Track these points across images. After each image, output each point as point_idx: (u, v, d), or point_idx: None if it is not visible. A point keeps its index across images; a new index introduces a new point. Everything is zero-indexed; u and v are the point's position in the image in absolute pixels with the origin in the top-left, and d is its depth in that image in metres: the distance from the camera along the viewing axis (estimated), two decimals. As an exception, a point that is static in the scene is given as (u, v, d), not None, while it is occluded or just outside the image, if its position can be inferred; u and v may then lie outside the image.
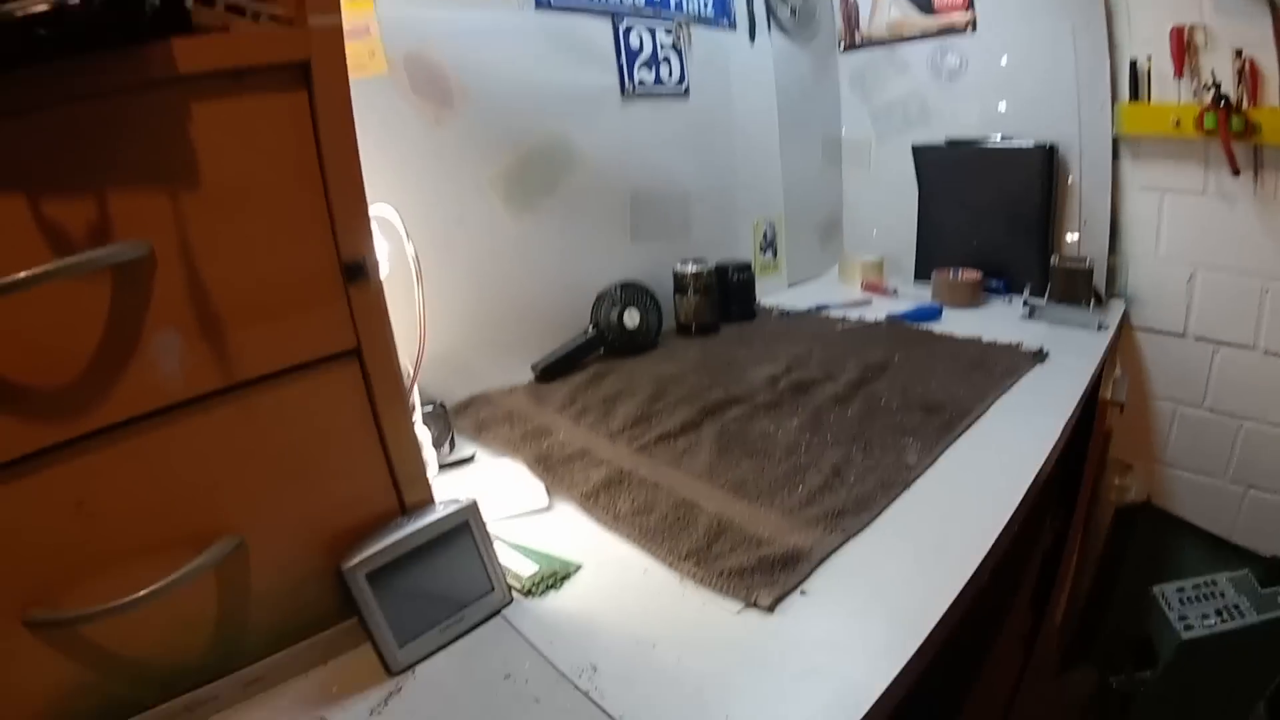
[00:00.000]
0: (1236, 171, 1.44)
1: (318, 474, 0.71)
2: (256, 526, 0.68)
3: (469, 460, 1.13)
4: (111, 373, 0.59)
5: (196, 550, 0.64)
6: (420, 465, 0.78)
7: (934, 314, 1.66)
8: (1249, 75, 1.39)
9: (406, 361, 0.96)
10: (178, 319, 0.61)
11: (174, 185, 0.59)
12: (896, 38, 1.97)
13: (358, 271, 0.69)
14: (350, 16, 0.68)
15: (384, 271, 0.77)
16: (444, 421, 1.14)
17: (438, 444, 1.12)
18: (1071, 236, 1.74)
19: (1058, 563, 1.67)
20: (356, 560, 0.69)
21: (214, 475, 0.66)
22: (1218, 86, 1.41)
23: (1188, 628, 1.41)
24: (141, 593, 0.60)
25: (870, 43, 2.03)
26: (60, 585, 0.60)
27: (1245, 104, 1.40)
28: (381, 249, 0.79)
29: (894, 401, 1.19)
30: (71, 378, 0.57)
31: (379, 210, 0.85)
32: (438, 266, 1.26)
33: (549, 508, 0.99)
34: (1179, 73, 1.49)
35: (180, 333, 0.61)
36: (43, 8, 0.49)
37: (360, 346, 0.71)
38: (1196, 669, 1.45)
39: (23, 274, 0.51)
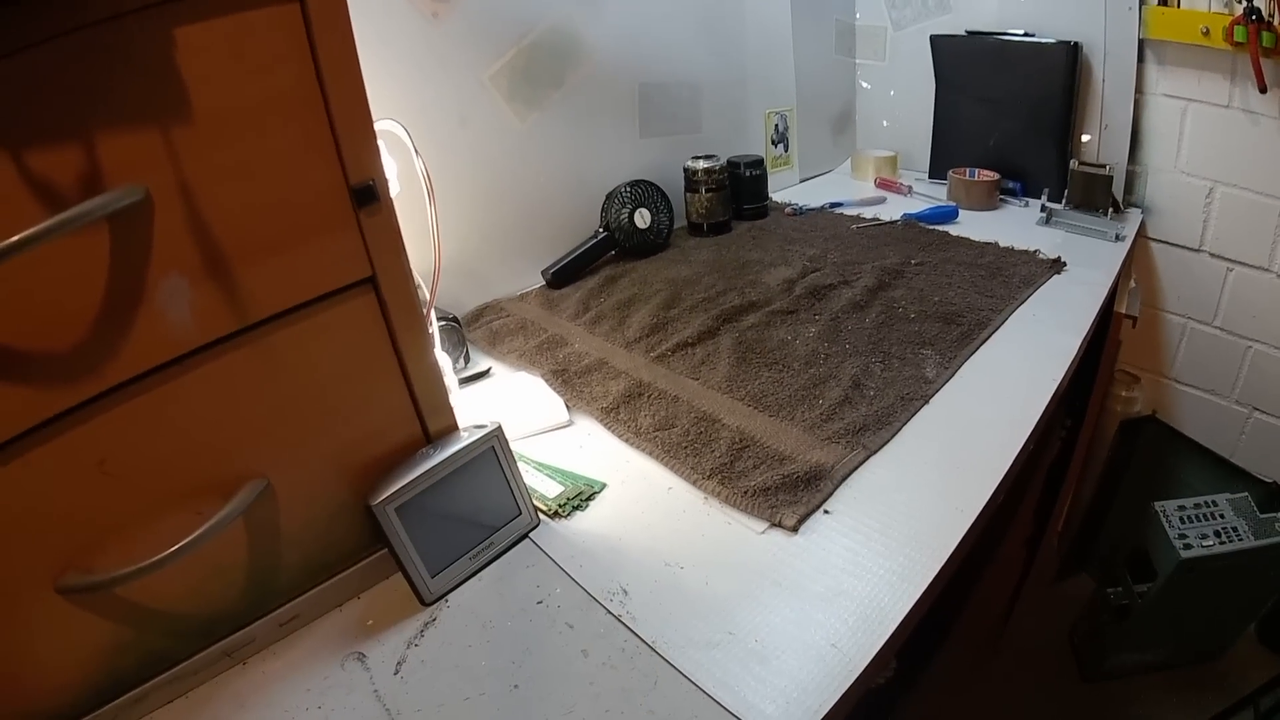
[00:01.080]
0: (1264, 89, 1.36)
1: (340, 409, 0.70)
2: (281, 467, 0.68)
3: (485, 374, 1.12)
4: (119, 328, 0.56)
5: (223, 497, 0.63)
6: (443, 392, 0.77)
7: (950, 215, 1.61)
8: None
9: (419, 279, 0.93)
10: (183, 263, 0.58)
11: (163, 120, 0.55)
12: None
13: (368, 195, 0.66)
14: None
15: (394, 189, 0.73)
16: (458, 335, 1.12)
17: (452, 358, 1.11)
18: (1086, 137, 1.68)
19: (1063, 470, 1.69)
20: (385, 495, 0.69)
21: (234, 420, 0.64)
22: None
23: (1186, 546, 1.45)
24: (171, 549, 0.60)
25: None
26: (89, 548, 0.59)
27: (1277, 20, 1.32)
28: (389, 167, 0.75)
29: (911, 310, 1.18)
30: (78, 339, 0.54)
31: (384, 126, 0.81)
32: (440, 171, 1.19)
33: (570, 423, 0.99)
34: None
35: (187, 277, 0.58)
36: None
37: (375, 275, 0.68)
38: (1192, 587, 1.49)
39: (14, 238, 0.47)
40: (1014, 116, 1.73)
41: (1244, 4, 1.33)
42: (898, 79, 1.98)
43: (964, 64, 1.79)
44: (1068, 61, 1.60)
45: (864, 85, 2.07)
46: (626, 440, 0.94)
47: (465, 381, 1.10)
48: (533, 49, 1.32)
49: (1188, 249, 1.63)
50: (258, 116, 0.60)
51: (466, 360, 1.13)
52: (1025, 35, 1.67)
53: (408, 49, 1.16)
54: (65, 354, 0.54)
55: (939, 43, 1.81)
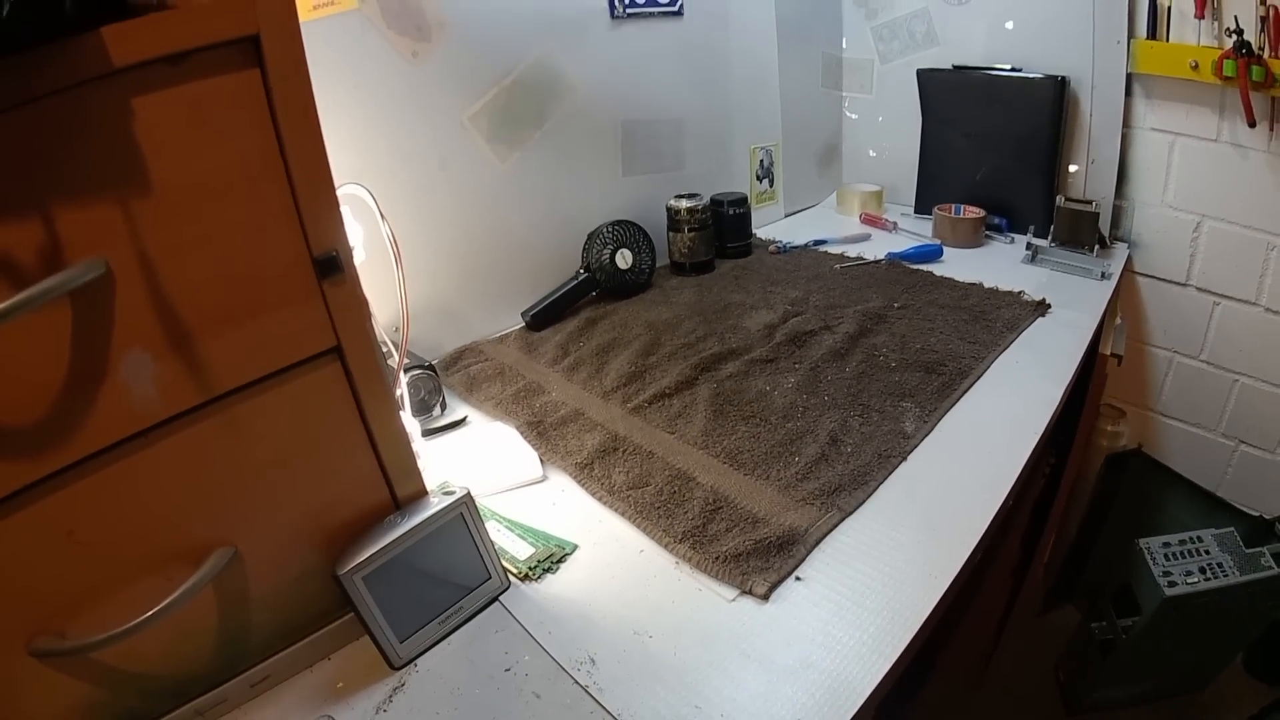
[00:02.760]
0: (1253, 123, 1.37)
1: (307, 477, 0.70)
2: (249, 535, 0.67)
3: (461, 423, 1.11)
4: (84, 403, 0.56)
5: (192, 565, 0.63)
6: (411, 458, 0.76)
7: (934, 254, 1.61)
8: (1272, 24, 1.30)
9: (387, 339, 0.93)
10: (145, 337, 0.58)
11: (122, 192, 0.54)
12: (904, -53, 1.84)
13: (331, 266, 0.65)
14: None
15: (359, 257, 0.72)
16: (433, 382, 1.11)
17: (428, 406, 1.11)
18: (1074, 168, 1.68)
19: (1048, 504, 1.69)
20: (352, 565, 0.69)
21: (201, 490, 0.64)
22: (1240, 33, 1.33)
23: (1171, 584, 1.44)
24: (142, 616, 0.60)
25: (876, -48, 1.89)
26: (62, 614, 0.59)
27: (1267, 53, 1.32)
28: (355, 234, 0.75)
29: (892, 358, 1.17)
30: (43, 414, 0.54)
31: (348, 190, 0.80)
32: (419, 214, 1.22)
33: (543, 479, 0.99)
34: (1200, 13, 1.40)
35: (149, 351, 0.58)
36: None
37: (340, 345, 0.68)
38: (1177, 624, 1.48)
39: None
40: (1000, 151, 1.73)
41: (1234, 38, 1.34)
42: (884, 112, 1.99)
43: (950, 98, 1.79)
44: (1055, 96, 1.60)
45: (850, 116, 2.07)
46: (599, 499, 0.93)
47: (441, 430, 1.09)
48: (514, 88, 1.32)
49: (1174, 283, 1.63)
50: (219, 187, 0.59)
51: (443, 408, 1.12)
52: (1012, 70, 1.68)
53: (386, 91, 1.16)
54: (31, 429, 0.54)
55: (925, 77, 1.81)
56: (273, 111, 0.59)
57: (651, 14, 1.52)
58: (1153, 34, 1.50)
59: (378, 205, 0.81)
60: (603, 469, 0.96)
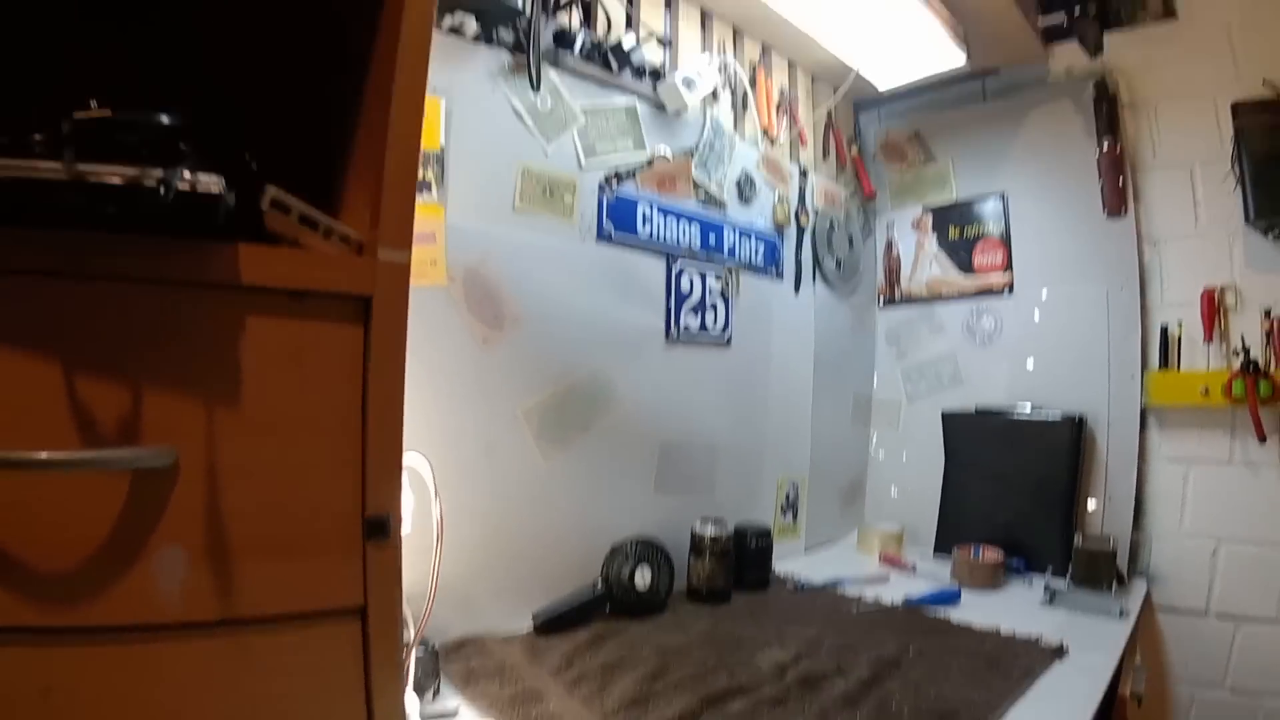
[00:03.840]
0: (1263, 438, 1.44)
1: (296, 729, 0.66)
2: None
3: (452, 716, 1.05)
4: (106, 574, 0.56)
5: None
6: (403, 739, 0.72)
7: (953, 598, 1.60)
8: (1277, 336, 1.43)
9: (406, 612, 0.92)
10: (188, 538, 0.59)
11: (212, 398, 0.59)
12: (935, 296, 2.08)
13: (380, 529, 0.67)
14: (419, 220, 0.69)
15: (405, 529, 0.75)
16: (433, 665, 1.07)
17: (423, 688, 1.06)
18: (1092, 505, 1.73)
19: None
20: None
21: (187, 705, 0.61)
22: (1247, 352, 1.44)
23: None
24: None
25: (909, 299, 2.14)
26: None
27: (1273, 366, 1.42)
28: (406, 503, 0.78)
29: (905, 706, 1.11)
30: (64, 567, 0.55)
31: (410, 459, 0.85)
32: (456, 493, 1.23)
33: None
34: (1209, 336, 1.53)
35: (187, 553, 0.59)
36: (115, 181, 0.48)
37: (366, 607, 0.68)
38: None
39: (43, 455, 0.50)
40: (1020, 492, 1.78)
41: (1240, 357, 1.43)
42: (909, 449, 2.09)
43: (972, 440, 1.90)
44: (1072, 437, 1.70)
45: (877, 456, 2.17)
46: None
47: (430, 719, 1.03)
48: (568, 391, 1.43)
49: (1194, 613, 1.61)
50: (298, 423, 0.64)
51: (436, 693, 1.07)
52: (1033, 409, 1.79)
53: (454, 369, 1.26)
54: (46, 576, 0.54)
55: (950, 420, 1.94)
56: (365, 371, 0.66)
57: (703, 342, 1.69)
58: (1164, 364, 1.61)
59: (435, 482, 0.85)
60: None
